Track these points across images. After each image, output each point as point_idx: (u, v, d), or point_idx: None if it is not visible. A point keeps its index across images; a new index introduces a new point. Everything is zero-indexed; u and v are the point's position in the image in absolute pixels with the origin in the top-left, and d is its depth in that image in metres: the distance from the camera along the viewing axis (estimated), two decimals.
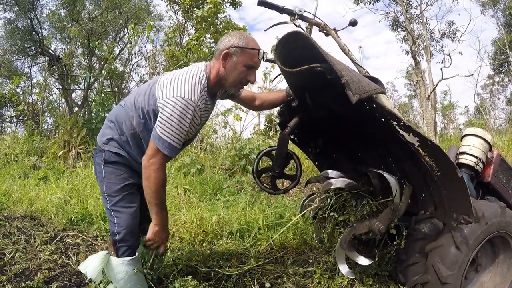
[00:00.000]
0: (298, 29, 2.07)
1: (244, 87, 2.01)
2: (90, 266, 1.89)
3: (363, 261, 1.98)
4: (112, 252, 1.90)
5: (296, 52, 1.60)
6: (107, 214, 1.95)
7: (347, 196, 1.96)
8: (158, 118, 1.73)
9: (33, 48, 11.54)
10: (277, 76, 2.16)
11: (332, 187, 1.88)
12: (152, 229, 1.87)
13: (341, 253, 1.96)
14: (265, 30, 2.24)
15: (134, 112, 1.85)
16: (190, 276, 2.23)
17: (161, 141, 1.72)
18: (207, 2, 8.29)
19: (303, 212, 2.12)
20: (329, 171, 2.19)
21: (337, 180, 1.89)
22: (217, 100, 2.13)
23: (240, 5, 9.74)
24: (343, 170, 2.27)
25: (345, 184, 1.90)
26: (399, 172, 2.01)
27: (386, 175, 1.87)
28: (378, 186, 1.97)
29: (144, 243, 1.93)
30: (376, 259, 2.00)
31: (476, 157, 2.47)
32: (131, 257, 1.91)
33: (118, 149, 1.89)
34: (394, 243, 1.98)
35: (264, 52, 1.83)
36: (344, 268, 1.98)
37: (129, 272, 1.90)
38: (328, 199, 2.01)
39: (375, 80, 1.72)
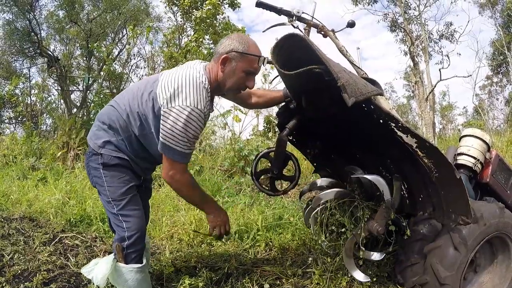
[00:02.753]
0: (296, 30, 2.07)
1: None
2: (99, 273, 1.81)
3: (375, 256, 1.98)
4: (120, 259, 1.82)
5: (294, 54, 1.60)
6: (113, 220, 1.85)
7: (340, 205, 1.96)
8: (162, 127, 1.68)
9: (31, 49, 11.56)
10: (275, 77, 2.17)
11: (322, 201, 1.88)
12: (209, 219, 1.95)
13: (350, 262, 1.95)
14: (263, 31, 2.25)
15: (130, 115, 1.79)
16: (187, 277, 2.23)
17: (171, 151, 1.69)
18: (206, 4, 8.30)
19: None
20: (318, 180, 2.21)
21: (325, 193, 1.88)
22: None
23: (239, 7, 9.78)
24: (339, 172, 2.28)
25: (333, 195, 1.89)
26: (398, 173, 2.02)
27: (368, 176, 1.87)
28: (369, 187, 1.97)
29: (211, 235, 1.97)
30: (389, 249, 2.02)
31: (475, 158, 2.47)
32: (140, 264, 1.85)
33: (117, 152, 1.82)
34: (394, 239, 1.98)
35: (264, 58, 1.78)
36: (358, 275, 1.96)
37: (138, 280, 1.85)
38: (324, 211, 2.02)
39: (372, 82, 1.73)
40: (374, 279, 2.20)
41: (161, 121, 1.68)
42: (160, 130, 1.69)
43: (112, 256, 1.86)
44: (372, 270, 2.28)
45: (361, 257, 2.00)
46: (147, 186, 2.18)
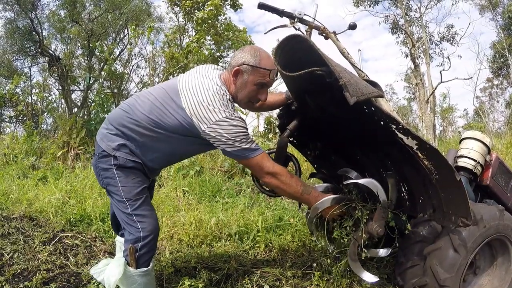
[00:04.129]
0: (298, 32, 2.08)
1: None
2: (111, 276, 1.78)
3: (382, 252, 1.99)
4: (132, 261, 1.78)
5: (296, 55, 1.61)
6: (126, 220, 1.81)
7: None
8: (219, 143, 1.72)
9: (33, 48, 11.55)
10: (277, 79, 2.17)
11: (320, 210, 1.89)
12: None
13: (356, 265, 1.95)
14: (264, 33, 2.26)
15: (145, 122, 1.78)
16: (187, 277, 2.24)
17: (244, 152, 1.73)
18: (207, 4, 8.30)
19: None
20: (316, 186, 2.21)
21: (321, 202, 1.88)
22: None
23: (241, 8, 9.77)
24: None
25: (329, 202, 1.90)
26: (398, 175, 2.02)
27: (360, 181, 1.88)
28: (365, 188, 1.97)
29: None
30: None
31: (475, 160, 2.48)
32: (148, 267, 1.83)
33: (132, 156, 1.82)
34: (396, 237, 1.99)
35: (277, 71, 1.79)
36: (367, 276, 1.95)
37: (144, 283, 1.83)
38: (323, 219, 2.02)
39: (373, 83, 1.73)
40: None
41: (213, 139, 1.72)
42: (220, 146, 1.74)
43: (122, 258, 1.83)
44: (372, 272, 2.28)
45: (367, 257, 1.98)
46: (152, 187, 2.20)
